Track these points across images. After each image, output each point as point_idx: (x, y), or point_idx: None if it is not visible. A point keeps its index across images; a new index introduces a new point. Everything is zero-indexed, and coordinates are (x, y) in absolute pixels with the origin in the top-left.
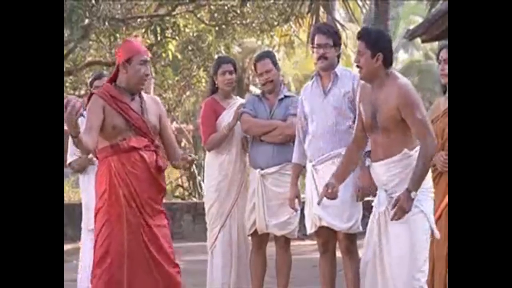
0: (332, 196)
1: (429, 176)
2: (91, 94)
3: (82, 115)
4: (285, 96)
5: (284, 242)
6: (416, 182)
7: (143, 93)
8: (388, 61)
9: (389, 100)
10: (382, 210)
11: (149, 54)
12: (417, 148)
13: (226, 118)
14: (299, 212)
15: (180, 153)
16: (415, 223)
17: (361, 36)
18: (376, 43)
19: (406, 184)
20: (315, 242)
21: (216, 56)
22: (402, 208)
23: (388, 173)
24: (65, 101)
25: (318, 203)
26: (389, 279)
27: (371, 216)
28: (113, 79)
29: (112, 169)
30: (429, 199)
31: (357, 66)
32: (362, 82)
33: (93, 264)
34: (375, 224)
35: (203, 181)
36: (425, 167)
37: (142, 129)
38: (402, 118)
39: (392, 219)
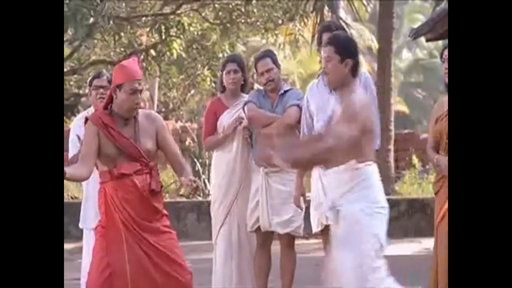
0: None
1: (379, 191)
2: (86, 119)
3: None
4: (285, 91)
5: (288, 240)
6: (290, 152)
7: (139, 113)
8: (355, 70)
9: (339, 113)
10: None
11: (142, 80)
12: (368, 162)
13: (225, 119)
14: (303, 210)
15: (188, 169)
16: (364, 246)
17: (331, 41)
18: (345, 49)
19: (352, 196)
20: (319, 240)
21: (220, 55)
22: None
23: (334, 183)
24: None
25: None
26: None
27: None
28: (108, 101)
29: (107, 195)
30: (379, 217)
31: (324, 73)
32: None
33: (87, 279)
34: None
35: (207, 179)
36: (307, 154)
37: (134, 155)
38: None
39: None
